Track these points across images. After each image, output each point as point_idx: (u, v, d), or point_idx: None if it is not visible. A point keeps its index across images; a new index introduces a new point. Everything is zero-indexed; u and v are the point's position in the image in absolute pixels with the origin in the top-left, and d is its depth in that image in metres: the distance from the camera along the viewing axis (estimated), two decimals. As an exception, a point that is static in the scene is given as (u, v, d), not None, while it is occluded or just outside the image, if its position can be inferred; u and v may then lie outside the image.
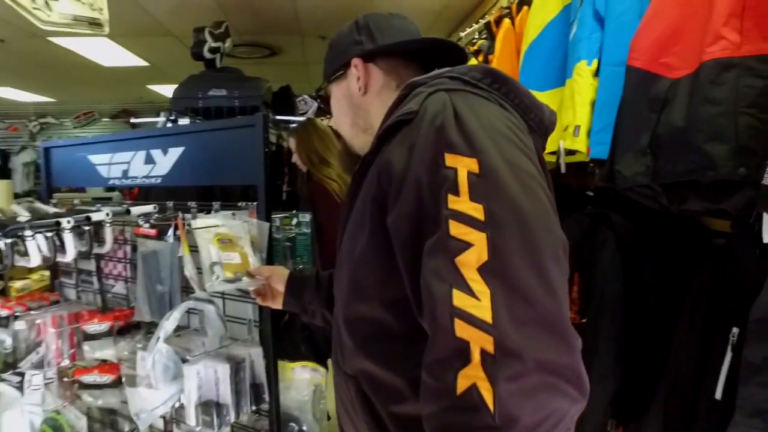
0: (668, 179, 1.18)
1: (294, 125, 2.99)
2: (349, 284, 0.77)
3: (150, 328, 1.52)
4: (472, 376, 0.52)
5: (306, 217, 1.48)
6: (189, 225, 1.26)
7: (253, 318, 1.43)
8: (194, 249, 1.37)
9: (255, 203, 1.32)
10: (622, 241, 1.63)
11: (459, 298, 0.54)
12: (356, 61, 0.90)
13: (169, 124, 2.81)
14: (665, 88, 1.20)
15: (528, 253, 0.55)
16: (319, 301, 1.13)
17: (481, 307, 0.53)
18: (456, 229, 0.57)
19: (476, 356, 0.52)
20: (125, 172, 1.66)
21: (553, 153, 1.77)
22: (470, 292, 0.54)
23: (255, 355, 1.34)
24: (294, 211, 1.51)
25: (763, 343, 1.05)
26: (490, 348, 0.52)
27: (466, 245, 0.56)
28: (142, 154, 1.63)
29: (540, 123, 0.78)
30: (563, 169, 1.69)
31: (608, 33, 1.57)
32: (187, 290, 1.44)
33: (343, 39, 0.93)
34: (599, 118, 1.56)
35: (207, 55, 2.97)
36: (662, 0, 1.20)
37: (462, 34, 3.54)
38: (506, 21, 2.42)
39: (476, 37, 3.23)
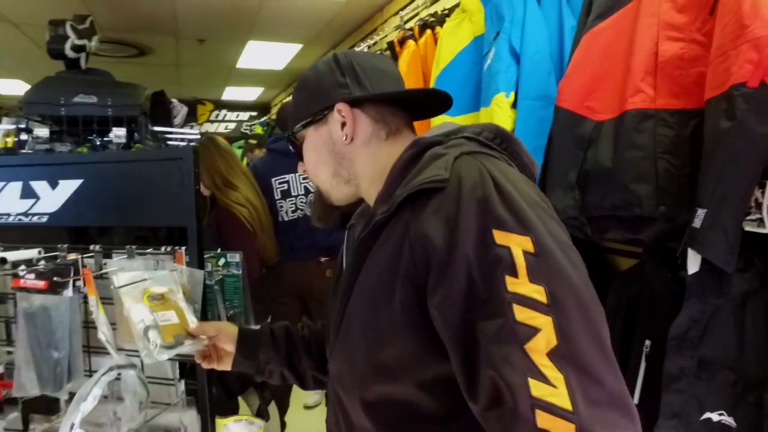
0: (596, 213, 1.30)
1: (188, 141, 2.70)
2: (370, 364, 0.69)
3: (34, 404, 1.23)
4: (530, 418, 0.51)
5: (236, 257, 1.33)
6: (105, 277, 1.03)
7: (176, 376, 1.24)
8: (106, 302, 1.14)
9: (183, 247, 1.14)
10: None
11: (536, 388, 0.52)
12: (342, 107, 0.81)
13: (25, 136, 2.31)
14: (590, 129, 1.32)
15: (590, 333, 0.55)
16: (279, 360, 1.02)
17: (559, 394, 0.52)
18: (521, 314, 0.55)
19: None
20: None
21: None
22: (546, 380, 0.52)
23: (188, 421, 1.16)
24: (219, 250, 1.34)
25: (678, 357, 1.21)
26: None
27: (534, 330, 0.54)
28: (16, 186, 1.30)
29: (533, 178, 0.79)
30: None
31: (524, 69, 1.68)
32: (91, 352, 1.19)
33: (322, 79, 0.83)
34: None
35: (69, 53, 2.50)
36: (587, 50, 1.32)
37: (357, 50, 3.55)
38: (411, 43, 2.47)
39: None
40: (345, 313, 0.75)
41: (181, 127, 4.40)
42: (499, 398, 0.54)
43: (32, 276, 1.15)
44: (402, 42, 2.53)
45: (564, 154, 1.38)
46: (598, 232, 1.36)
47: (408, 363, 0.65)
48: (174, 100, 4.13)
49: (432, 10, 2.78)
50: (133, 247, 1.16)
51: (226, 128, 7.97)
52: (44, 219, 1.25)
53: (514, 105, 1.71)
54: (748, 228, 1.02)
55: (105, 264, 1.22)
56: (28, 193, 1.28)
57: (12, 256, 1.21)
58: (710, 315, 1.18)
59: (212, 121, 7.89)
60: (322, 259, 2.50)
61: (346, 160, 0.83)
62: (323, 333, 1.05)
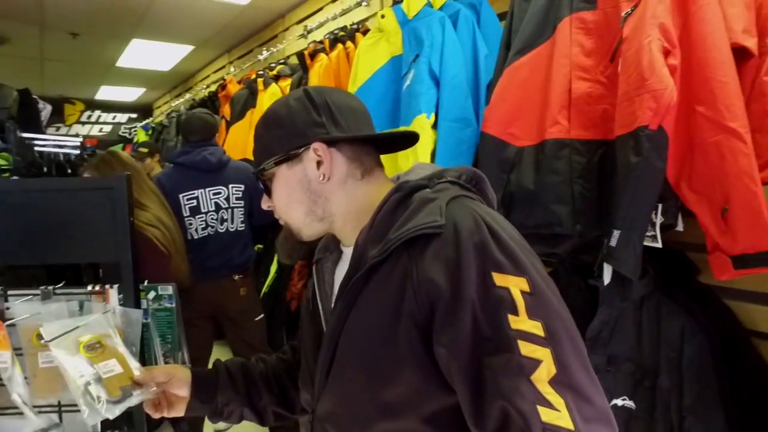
0: (520, 231, 1.43)
1: (91, 157, 2.38)
2: (373, 403, 0.69)
3: None
4: None
5: (168, 289, 1.21)
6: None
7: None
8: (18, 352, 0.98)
9: (115, 285, 1.01)
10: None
11: (545, 414, 0.58)
12: (319, 146, 0.80)
13: None
14: (513, 154, 1.45)
15: (579, 359, 0.63)
16: (239, 399, 0.97)
17: (563, 417, 0.58)
18: (525, 348, 0.61)
19: None
20: None
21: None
22: (551, 406, 0.59)
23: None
24: (147, 282, 1.22)
25: (594, 356, 1.38)
26: None
27: (537, 362, 0.60)
28: None
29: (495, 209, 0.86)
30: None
31: (444, 92, 1.77)
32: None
33: (297, 117, 0.81)
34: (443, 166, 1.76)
35: None
36: (509, 82, 1.45)
37: (261, 57, 3.45)
38: (323, 57, 2.47)
39: (275, 63, 3.20)
40: (335, 354, 0.75)
41: (45, 128, 3.86)
42: (508, 425, 0.59)
43: None
44: (313, 55, 2.51)
45: (489, 177, 1.49)
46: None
47: (413, 399, 0.68)
48: (36, 97, 3.61)
49: (341, 23, 2.80)
50: (50, 287, 1.01)
51: (100, 131, 7.14)
52: None
53: (434, 126, 1.80)
54: (645, 243, 1.21)
55: (8, 309, 1.04)
56: None
57: None
58: (617, 317, 1.37)
59: (83, 123, 7.01)
60: (236, 277, 2.39)
61: (321, 199, 0.82)
62: (285, 365, 1.02)
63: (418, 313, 0.66)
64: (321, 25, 3.13)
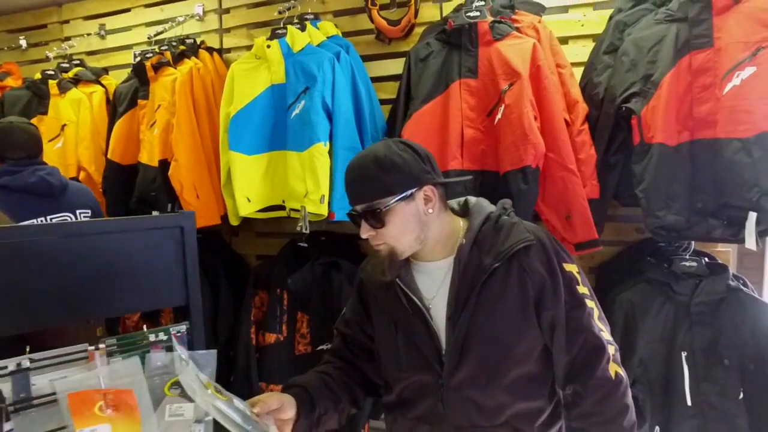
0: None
1: None
2: (509, 360, 1.04)
3: None
4: (614, 366, 1.05)
5: (182, 327, 1.08)
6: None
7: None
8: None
9: (183, 326, 0.90)
10: (350, 281, 2.16)
11: (603, 334, 1.08)
12: (429, 188, 1.05)
13: None
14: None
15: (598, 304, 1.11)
16: (332, 407, 1.10)
17: (606, 332, 1.08)
18: (588, 304, 1.06)
19: (611, 352, 1.06)
20: None
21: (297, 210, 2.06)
22: (603, 330, 1.08)
23: None
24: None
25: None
26: (613, 350, 1.06)
27: (593, 310, 1.08)
28: None
29: None
30: (306, 229, 2.02)
31: (338, 124, 2.04)
32: None
33: (412, 165, 1.06)
34: (341, 190, 2.03)
35: None
36: (417, 124, 1.85)
37: (50, 55, 2.84)
38: (172, 70, 2.34)
39: (66, 62, 2.75)
40: (467, 335, 1.02)
41: None
42: (589, 344, 1.05)
43: None
44: (158, 67, 2.33)
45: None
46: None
47: (531, 349, 1.06)
48: None
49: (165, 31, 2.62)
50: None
51: None
52: None
53: (329, 152, 2.05)
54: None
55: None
56: None
57: None
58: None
59: None
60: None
61: (426, 227, 1.08)
62: (343, 371, 1.18)
63: (533, 295, 1.04)
64: (126, 29, 2.82)
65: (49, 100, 2.61)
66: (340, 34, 2.32)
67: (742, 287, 1.66)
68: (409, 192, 1.05)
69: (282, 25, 2.17)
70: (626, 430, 1.05)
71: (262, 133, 2.18)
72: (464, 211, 1.20)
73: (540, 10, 1.99)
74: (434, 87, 1.88)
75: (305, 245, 2.28)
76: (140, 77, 2.39)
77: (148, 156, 2.35)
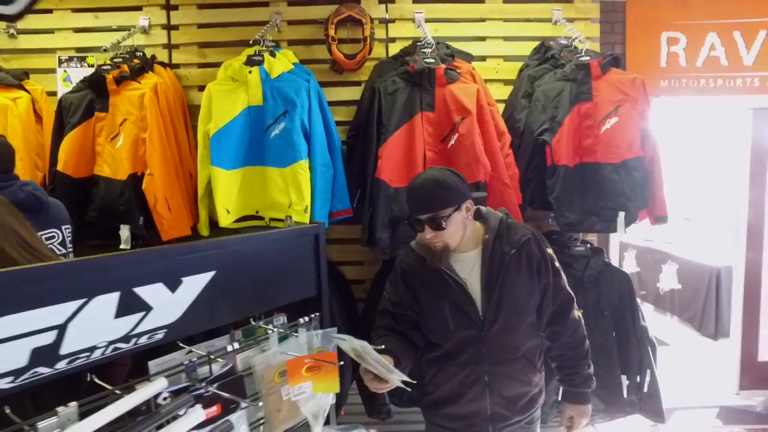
0: (403, 240, 2.31)
1: None
2: (526, 314, 1.53)
3: None
4: (576, 312, 1.62)
5: (281, 319, 1.29)
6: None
7: None
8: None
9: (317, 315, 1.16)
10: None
11: (570, 291, 1.63)
12: (470, 202, 1.51)
13: None
14: (392, 191, 2.31)
15: None
16: (410, 361, 1.49)
17: (570, 290, 1.64)
18: (561, 272, 1.62)
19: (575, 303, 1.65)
20: (46, 353, 0.70)
21: (279, 220, 2.33)
22: (568, 288, 1.64)
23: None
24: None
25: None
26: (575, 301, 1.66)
27: (563, 276, 1.63)
28: (106, 300, 0.78)
29: None
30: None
31: (315, 144, 2.37)
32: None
33: (459, 185, 1.52)
34: (320, 200, 2.36)
35: None
36: (391, 147, 2.28)
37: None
38: (136, 84, 2.38)
39: None
40: (498, 299, 1.51)
41: None
42: (564, 299, 1.61)
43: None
44: (119, 80, 2.34)
45: (380, 207, 2.29)
46: (392, 250, 2.36)
47: (534, 305, 1.59)
48: None
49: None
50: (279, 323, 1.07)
51: None
52: (158, 336, 0.88)
53: (309, 169, 2.36)
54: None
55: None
56: (127, 307, 0.85)
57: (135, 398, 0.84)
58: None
59: None
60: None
61: (465, 229, 1.53)
62: (400, 335, 1.59)
63: (535, 269, 1.57)
64: (47, 31, 2.66)
65: (-37, 106, 2.36)
66: (298, 62, 2.62)
67: (610, 262, 2.47)
68: (460, 205, 1.51)
69: (257, 54, 2.38)
70: (587, 350, 1.67)
71: (239, 149, 2.37)
72: (476, 217, 1.69)
73: (470, 59, 2.59)
74: (401, 117, 2.33)
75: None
76: (98, 89, 2.35)
77: (111, 170, 2.34)
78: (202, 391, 0.91)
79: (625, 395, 2.35)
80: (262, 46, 2.43)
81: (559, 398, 1.74)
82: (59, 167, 2.34)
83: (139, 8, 2.70)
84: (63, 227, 1.94)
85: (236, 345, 1.07)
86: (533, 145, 2.40)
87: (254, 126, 2.37)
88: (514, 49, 2.73)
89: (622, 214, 2.30)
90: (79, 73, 2.69)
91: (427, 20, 2.66)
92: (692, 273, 4.40)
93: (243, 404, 1.00)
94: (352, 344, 1.20)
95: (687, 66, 3.01)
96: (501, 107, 2.61)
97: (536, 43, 2.69)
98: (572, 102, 2.36)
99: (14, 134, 2.40)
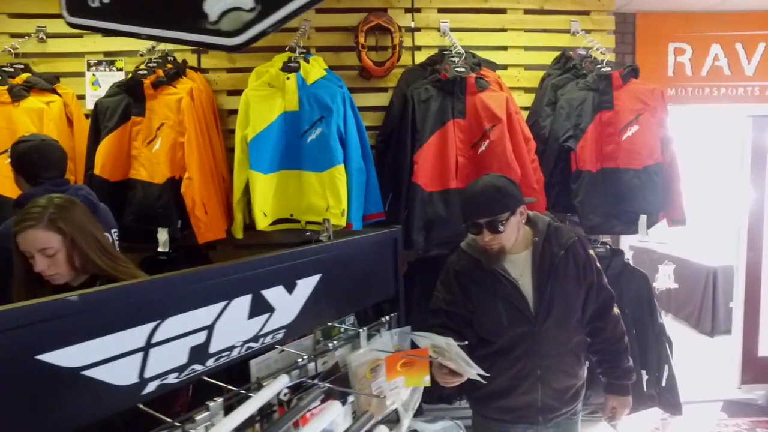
0: (438, 241, 2.40)
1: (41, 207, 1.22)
2: (574, 311, 1.63)
3: None
4: (615, 308, 1.74)
5: (351, 319, 1.36)
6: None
7: None
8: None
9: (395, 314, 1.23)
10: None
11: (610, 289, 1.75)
12: (523, 206, 1.61)
13: None
14: (426, 195, 2.39)
15: None
16: None
17: (613, 294, 1.75)
18: (602, 272, 1.73)
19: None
20: (200, 352, 0.76)
21: (316, 223, 2.39)
22: (609, 286, 1.76)
23: None
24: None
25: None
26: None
27: (604, 276, 1.74)
28: (242, 302, 0.84)
29: None
30: (331, 238, 2.38)
31: (350, 149, 2.43)
32: None
33: (515, 191, 1.62)
34: (355, 204, 2.43)
35: None
36: (427, 153, 2.36)
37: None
38: (172, 89, 2.41)
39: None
40: (550, 297, 1.61)
41: None
42: (606, 297, 1.73)
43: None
44: (156, 85, 2.37)
45: (416, 211, 2.38)
46: (424, 251, 2.45)
47: (580, 302, 1.68)
48: None
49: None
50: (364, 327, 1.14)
51: None
52: (279, 335, 0.94)
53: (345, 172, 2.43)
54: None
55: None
56: (258, 308, 0.91)
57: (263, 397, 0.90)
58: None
59: None
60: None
61: (519, 231, 1.63)
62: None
63: (581, 269, 1.67)
64: (75, 35, 2.67)
65: (-6, 109, 2.35)
66: (329, 68, 2.68)
67: (629, 262, 2.60)
68: (516, 209, 1.60)
69: (293, 60, 2.44)
70: (627, 345, 1.78)
71: (275, 154, 2.42)
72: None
73: (495, 67, 2.69)
74: (435, 124, 2.42)
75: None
76: (134, 93, 2.37)
77: (148, 173, 2.36)
78: (322, 386, 0.98)
79: (644, 389, 2.48)
80: (296, 53, 2.48)
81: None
82: (96, 171, 2.36)
83: (168, 13, 2.73)
84: (112, 231, 1.98)
85: (336, 343, 1.14)
86: (558, 151, 2.51)
87: (290, 131, 2.43)
88: (534, 59, 2.84)
89: (644, 218, 2.42)
90: (108, 76, 2.71)
91: (451, 29, 2.76)
92: (689, 273, 4.60)
93: (350, 398, 1.06)
94: (433, 341, 1.28)
95: (692, 75, 3.18)
96: (523, 114, 2.72)
97: (555, 53, 2.81)
98: (595, 110, 2.48)
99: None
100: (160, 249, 2.36)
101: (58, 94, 2.54)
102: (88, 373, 0.70)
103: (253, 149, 2.36)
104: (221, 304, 0.87)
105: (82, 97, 2.69)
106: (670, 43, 3.16)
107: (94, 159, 2.39)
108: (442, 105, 2.44)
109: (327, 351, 1.12)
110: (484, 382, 1.48)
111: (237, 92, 2.74)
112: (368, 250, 1.25)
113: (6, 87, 2.38)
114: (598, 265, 1.77)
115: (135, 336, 0.75)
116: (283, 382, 0.97)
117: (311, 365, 1.08)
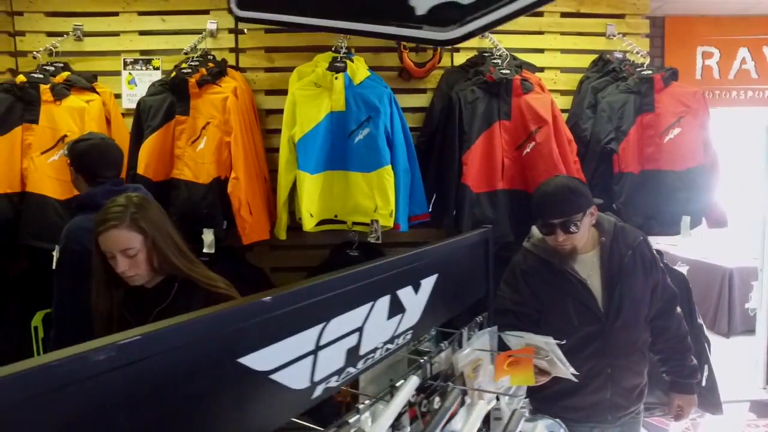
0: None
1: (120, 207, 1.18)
2: (641, 307, 1.66)
3: None
4: (677, 307, 1.77)
5: None
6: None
7: None
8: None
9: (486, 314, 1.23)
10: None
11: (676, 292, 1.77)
12: (594, 207, 1.62)
13: None
14: (474, 196, 2.40)
15: None
16: None
17: (677, 293, 1.77)
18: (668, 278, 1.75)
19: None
20: (353, 354, 0.76)
21: (362, 224, 2.39)
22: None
23: None
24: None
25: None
26: None
27: (668, 277, 1.76)
28: (383, 303, 0.83)
29: None
30: (379, 239, 2.37)
31: (397, 150, 2.43)
32: None
33: (586, 192, 1.67)
34: (402, 204, 2.42)
35: None
36: (475, 154, 2.37)
37: (36, 53, 2.47)
38: (217, 88, 2.39)
39: (50, 65, 2.49)
40: (619, 296, 1.62)
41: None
42: (671, 295, 1.75)
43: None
44: (202, 83, 2.34)
45: (465, 211, 2.38)
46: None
47: (647, 301, 1.70)
48: None
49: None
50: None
51: None
52: (408, 336, 0.93)
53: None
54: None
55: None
56: (395, 308, 0.90)
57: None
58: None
59: None
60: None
61: (589, 231, 1.64)
62: None
63: (648, 268, 1.69)
64: (112, 33, 2.64)
65: (40, 108, 2.31)
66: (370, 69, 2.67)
67: (667, 263, 2.63)
68: (588, 210, 1.62)
69: (339, 60, 2.43)
70: (690, 344, 1.81)
71: (321, 154, 2.41)
72: None
73: (535, 69, 2.71)
74: (482, 125, 2.42)
75: (356, 254, 2.56)
76: (179, 92, 2.34)
77: (193, 173, 2.33)
78: (449, 386, 0.98)
79: (686, 389, 2.50)
80: (340, 53, 2.47)
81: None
82: (140, 171, 2.32)
83: (206, 12, 2.70)
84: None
85: (445, 344, 1.13)
86: (600, 153, 2.53)
87: (336, 131, 2.42)
88: (571, 61, 2.86)
89: (687, 219, 2.45)
90: (145, 75, 2.68)
91: (490, 31, 2.76)
92: (704, 274, 4.66)
93: (467, 399, 1.06)
94: (531, 341, 1.28)
95: (720, 78, 3.23)
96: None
97: (590, 56, 2.83)
98: (636, 113, 2.50)
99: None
100: (205, 250, 2.32)
101: (97, 93, 2.50)
102: (274, 376, 0.68)
103: (300, 149, 2.34)
104: (368, 306, 0.86)
105: (118, 96, 2.65)
106: (698, 46, 3.21)
107: (136, 158, 2.35)
108: (489, 106, 2.45)
109: (441, 351, 1.11)
110: (576, 380, 1.48)
111: (275, 92, 2.74)
112: (467, 250, 1.25)
113: (48, 85, 2.33)
114: (662, 264, 1.79)
115: (308, 338, 0.74)
116: (414, 383, 0.96)
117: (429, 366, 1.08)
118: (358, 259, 2.57)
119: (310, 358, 0.74)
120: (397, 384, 0.95)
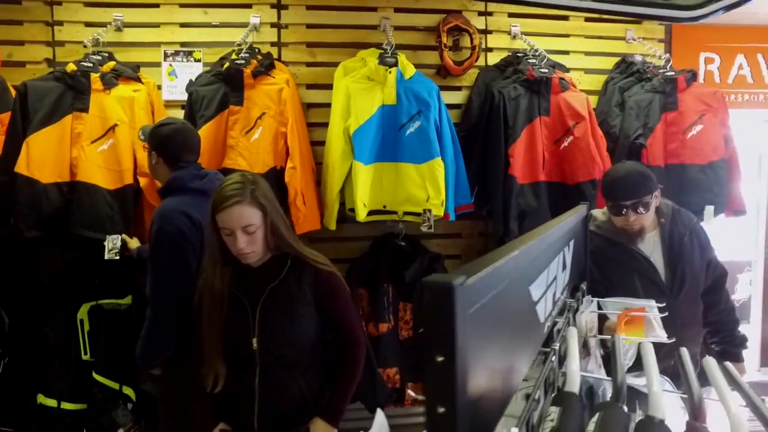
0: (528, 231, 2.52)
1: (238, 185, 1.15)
2: (700, 281, 1.82)
3: None
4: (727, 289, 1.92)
5: None
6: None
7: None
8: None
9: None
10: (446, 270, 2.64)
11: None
12: (659, 190, 1.78)
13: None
14: (520, 188, 2.51)
15: None
16: None
17: (726, 270, 1.93)
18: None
19: None
20: (554, 299, 0.83)
21: (413, 214, 2.47)
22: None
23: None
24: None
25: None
26: None
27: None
28: (560, 257, 0.90)
29: None
30: (431, 228, 2.45)
31: (445, 142, 2.53)
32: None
33: (652, 175, 1.84)
34: (450, 195, 2.51)
35: None
36: (520, 146, 2.48)
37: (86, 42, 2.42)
38: (271, 79, 2.43)
39: (96, 55, 2.46)
40: (682, 271, 1.77)
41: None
42: (722, 272, 1.94)
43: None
44: (257, 74, 2.37)
45: (513, 202, 2.49)
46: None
47: (704, 276, 1.85)
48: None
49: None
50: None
51: None
52: (566, 292, 1.01)
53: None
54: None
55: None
56: (564, 263, 0.98)
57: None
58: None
59: None
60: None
61: (653, 212, 1.79)
62: None
63: (703, 246, 1.85)
64: (152, 25, 2.63)
65: (90, 96, 2.27)
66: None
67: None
68: (654, 192, 1.76)
69: (390, 55, 2.50)
70: (738, 316, 1.96)
71: (374, 146, 2.48)
72: None
73: (565, 70, 2.86)
74: (525, 120, 2.55)
75: (403, 244, 2.63)
76: (232, 82, 2.36)
77: (248, 163, 2.35)
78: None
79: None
80: (388, 50, 2.55)
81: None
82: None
83: (248, 6, 2.73)
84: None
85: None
86: (629, 148, 2.70)
87: (387, 124, 2.49)
88: (594, 63, 3.04)
89: (710, 208, 2.65)
90: (186, 67, 2.67)
91: (523, 33, 2.91)
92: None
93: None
94: (630, 305, 1.40)
95: (720, 82, 3.49)
96: (588, 114, 2.90)
97: (611, 59, 3.02)
98: (661, 111, 2.69)
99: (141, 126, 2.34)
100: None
101: (142, 83, 2.48)
102: (537, 307, 0.76)
103: (356, 140, 2.40)
104: (560, 256, 0.95)
105: (158, 87, 2.63)
106: (701, 52, 3.46)
107: (189, 148, 2.34)
108: (530, 103, 2.58)
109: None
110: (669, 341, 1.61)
111: (316, 86, 2.78)
112: (574, 232, 1.36)
113: (98, 74, 2.30)
114: (711, 243, 1.95)
115: (543, 281, 0.81)
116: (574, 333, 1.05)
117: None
118: (405, 248, 2.64)
119: (547, 296, 0.82)
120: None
